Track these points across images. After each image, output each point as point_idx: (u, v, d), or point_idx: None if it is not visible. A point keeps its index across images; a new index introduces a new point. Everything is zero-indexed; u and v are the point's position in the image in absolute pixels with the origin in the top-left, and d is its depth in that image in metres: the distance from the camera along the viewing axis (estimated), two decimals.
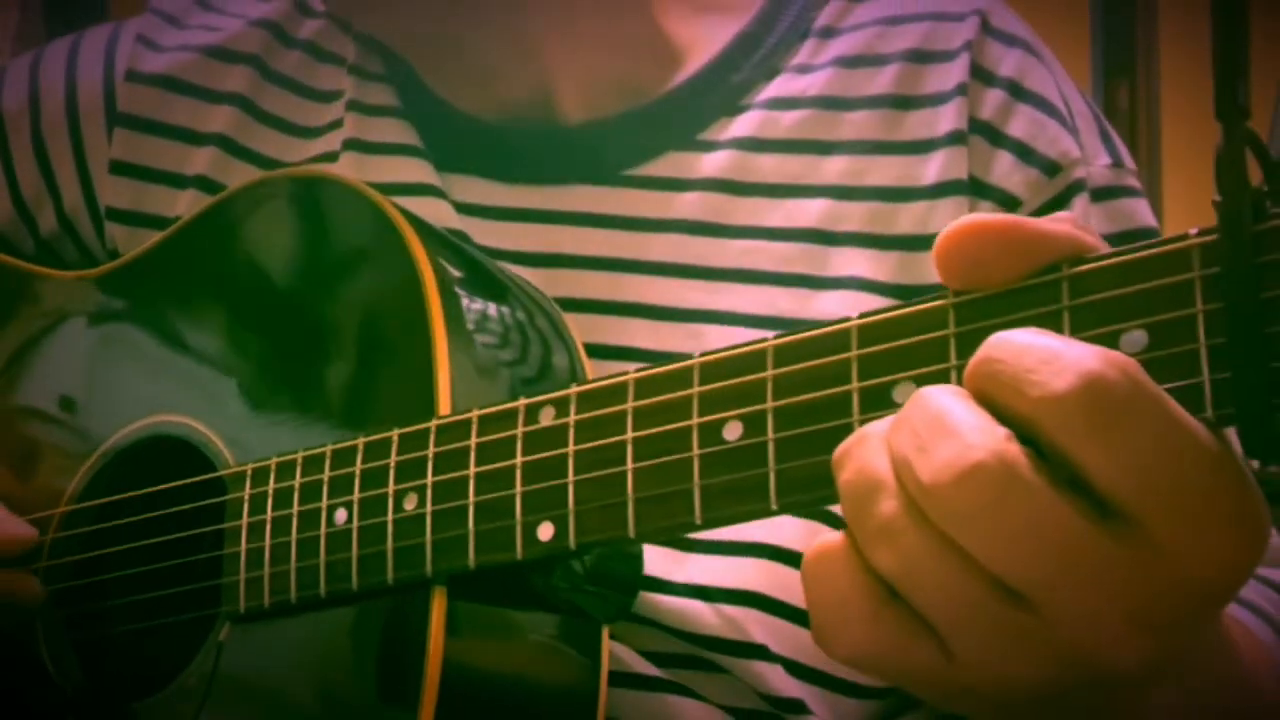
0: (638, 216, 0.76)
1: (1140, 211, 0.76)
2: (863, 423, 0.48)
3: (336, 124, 0.83)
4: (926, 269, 0.72)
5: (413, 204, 0.77)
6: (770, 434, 0.51)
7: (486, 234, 0.77)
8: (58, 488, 0.77)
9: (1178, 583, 0.42)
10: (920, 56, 0.76)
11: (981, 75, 0.75)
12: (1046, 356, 0.42)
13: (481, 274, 0.72)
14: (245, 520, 0.66)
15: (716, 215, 0.76)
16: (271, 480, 0.66)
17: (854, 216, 0.74)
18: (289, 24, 0.87)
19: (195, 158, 0.84)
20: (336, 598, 0.63)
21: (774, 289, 0.74)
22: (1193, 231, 0.44)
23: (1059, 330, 0.45)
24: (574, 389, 0.57)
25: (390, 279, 0.67)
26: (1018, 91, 0.75)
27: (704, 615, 0.69)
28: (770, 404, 0.51)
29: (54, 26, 1.91)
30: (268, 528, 0.65)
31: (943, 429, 0.43)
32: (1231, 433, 0.43)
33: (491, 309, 0.69)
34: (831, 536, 0.46)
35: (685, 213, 0.76)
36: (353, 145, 0.81)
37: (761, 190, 0.76)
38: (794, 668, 0.70)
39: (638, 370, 0.55)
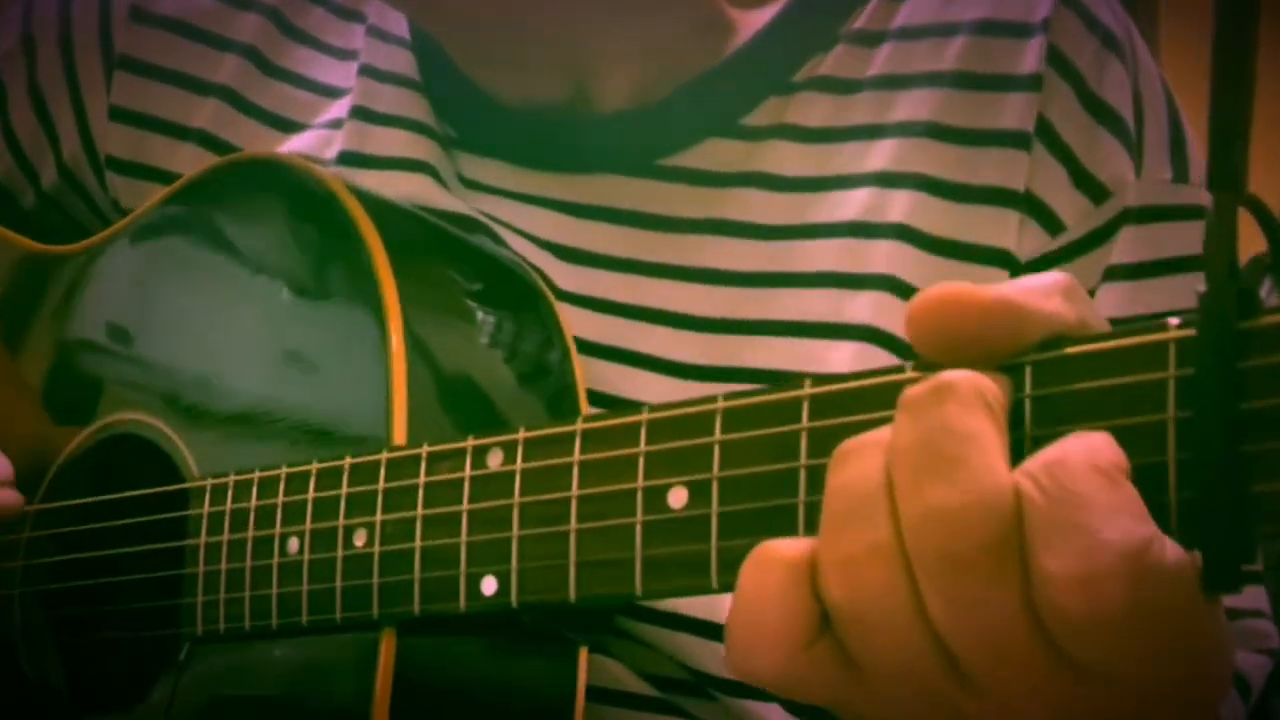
0: (665, 215, 0.69)
1: (1179, 238, 0.67)
2: (809, 506, 0.44)
3: (352, 89, 0.78)
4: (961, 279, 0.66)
5: (400, 180, 0.72)
6: (715, 506, 0.46)
7: (494, 214, 0.72)
8: (31, 483, 0.75)
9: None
10: (991, 28, 0.67)
11: (1058, 62, 0.66)
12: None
13: (456, 268, 0.67)
14: (204, 540, 0.63)
15: (751, 214, 0.68)
16: (229, 499, 0.63)
17: (896, 207, 0.66)
18: None
19: (199, 109, 0.80)
20: (288, 630, 0.60)
21: (808, 292, 0.67)
22: (1173, 322, 0.39)
23: (1019, 424, 0.40)
24: (522, 433, 0.53)
25: (347, 277, 0.63)
26: (1082, 91, 0.67)
27: (704, 652, 0.65)
28: (716, 473, 0.47)
29: None
30: (224, 550, 0.62)
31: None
32: None
33: (459, 321, 0.65)
34: (786, 545, 0.41)
35: (717, 211, 0.69)
36: (358, 113, 0.76)
37: (803, 185, 0.68)
38: (793, 706, 0.66)
39: (586, 420, 0.51)
